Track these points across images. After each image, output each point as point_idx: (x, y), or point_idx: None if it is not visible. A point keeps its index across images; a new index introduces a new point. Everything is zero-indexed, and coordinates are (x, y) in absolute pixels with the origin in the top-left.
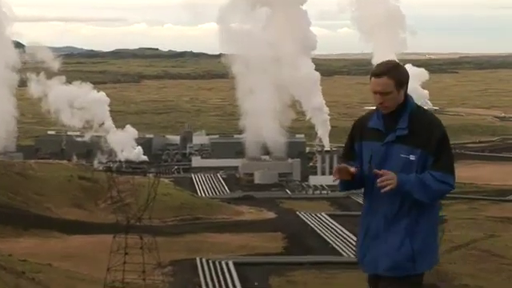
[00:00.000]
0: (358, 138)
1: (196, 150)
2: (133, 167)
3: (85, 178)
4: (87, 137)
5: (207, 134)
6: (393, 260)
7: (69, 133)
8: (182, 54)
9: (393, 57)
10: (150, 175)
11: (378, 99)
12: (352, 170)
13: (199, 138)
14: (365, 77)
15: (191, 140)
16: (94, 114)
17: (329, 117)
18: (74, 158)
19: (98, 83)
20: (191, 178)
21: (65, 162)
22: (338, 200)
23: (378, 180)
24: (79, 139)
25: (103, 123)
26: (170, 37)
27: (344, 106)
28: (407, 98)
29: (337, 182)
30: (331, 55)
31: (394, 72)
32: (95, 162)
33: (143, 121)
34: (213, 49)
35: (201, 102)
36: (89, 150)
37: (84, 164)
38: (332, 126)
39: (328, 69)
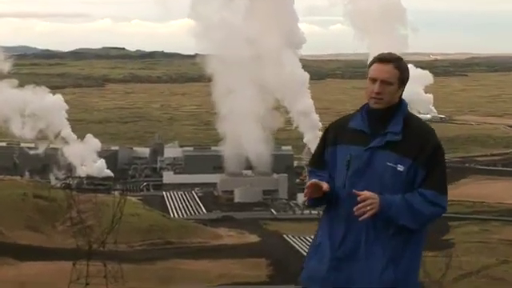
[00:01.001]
0: (331, 141)
1: (168, 164)
2: (95, 184)
3: (41, 197)
4: (41, 149)
5: (181, 146)
6: (371, 286)
7: (22, 145)
8: (152, 55)
9: None
10: (116, 193)
11: (377, 88)
12: (324, 187)
13: (171, 151)
14: (361, 80)
15: (162, 153)
16: (49, 122)
17: (319, 123)
18: (27, 173)
19: (55, 88)
20: (162, 196)
21: (18, 178)
22: None
23: (356, 208)
24: (33, 152)
25: (59, 133)
26: (138, 35)
27: (337, 113)
28: (402, 100)
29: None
30: (322, 56)
31: (401, 64)
32: (52, 178)
33: (107, 131)
34: (187, 48)
35: (173, 109)
36: (44, 165)
37: (39, 181)
38: None
39: (319, 71)
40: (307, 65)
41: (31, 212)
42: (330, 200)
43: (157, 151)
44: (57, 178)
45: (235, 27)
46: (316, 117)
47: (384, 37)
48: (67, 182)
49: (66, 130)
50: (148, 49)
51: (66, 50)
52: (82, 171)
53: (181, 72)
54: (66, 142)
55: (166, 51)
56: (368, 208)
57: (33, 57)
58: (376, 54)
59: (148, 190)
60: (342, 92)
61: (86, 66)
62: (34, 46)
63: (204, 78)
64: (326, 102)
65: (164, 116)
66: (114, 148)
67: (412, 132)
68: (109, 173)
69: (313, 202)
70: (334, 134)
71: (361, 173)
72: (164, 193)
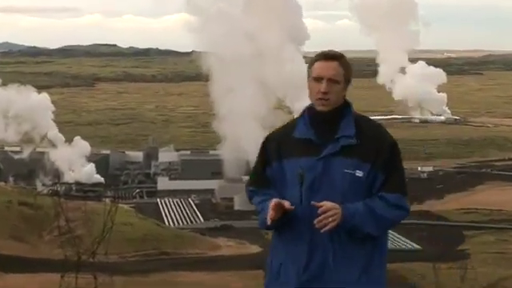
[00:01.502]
0: (274, 156)
1: (163, 170)
2: (85, 190)
3: (26, 204)
4: (26, 153)
5: (177, 150)
6: None
7: (5, 148)
8: (146, 52)
9: (402, 55)
10: (107, 200)
11: (325, 87)
12: (286, 204)
13: (167, 155)
14: (369, 79)
15: (157, 157)
16: (35, 123)
17: None
18: (11, 179)
19: (42, 87)
20: (157, 203)
21: (1, 184)
22: None
23: (316, 220)
24: (17, 156)
25: (45, 135)
26: (131, 30)
27: None
28: (347, 101)
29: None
30: None
31: (345, 61)
32: (38, 185)
33: (98, 133)
34: (183, 45)
35: (169, 111)
36: (30, 170)
37: (25, 187)
38: None
39: None
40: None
41: (16, 220)
42: (284, 220)
43: (151, 155)
44: (44, 185)
45: (234, 22)
46: None
47: (393, 33)
48: (55, 188)
49: (53, 132)
50: (141, 45)
51: (54, 47)
52: (69, 177)
53: (177, 70)
54: (53, 144)
55: (160, 48)
56: (330, 220)
57: (18, 54)
58: (385, 51)
59: (141, 197)
60: (349, 92)
61: (74, 64)
62: (19, 43)
63: (202, 77)
64: None
65: (159, 118)
66: (104, 152)
67: (365, 133)
68: (99, 178)
69: (273, 224)
70: (275, 147)
71: (317, 185)
72: (158, 200)
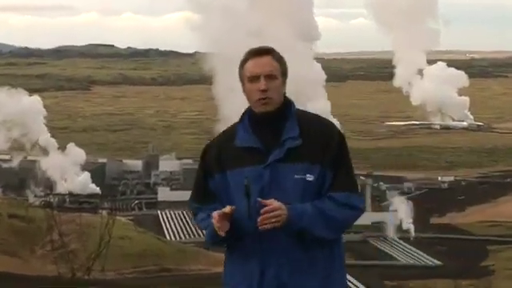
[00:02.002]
0: (216, 168)
1: (163, 180)
2: (80, 202)
3: (17, 217)
4: (16, 161)
5: (178, 158)
6: None
7: None
8: (145, 53)
9: (420, 55)
10: (103, 212)
11: (263, 84)
12: (227, 210)
13: (168, 164)
14: (386, 82)
15: (157, 166)
16: (26, 128)
17: (338, 125)
18: None
19: (34, 91)
20: (157, 215)
21: None
22: (352, 245)
23: (260, 218)
24: (6, 165)
25: (37, 142)
26: (130, 30)
27: (359, 120)
28: (287, 98)
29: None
30: (342, 54)
31: (277, 54)
32: (30, 196)
33: (94, 140)
34: (185, 46)
35: (170, 116)
36: (21, 180)
37: (15, 198)
38: None
39: (337, 72)
40: (324, 64)
41: (6, 234)
42: (232, 235)
43: (151, 164)
44: (35, 196)
45: (239, 18)
46: (334, 120)
47: (412, 32)
48: (48, 199)
49: (45, 136)
50: (141, 46)
51: (46, 48)
52: (62, 187)
53: (179, 73)
54: (44, 151)
55: (161, 49)
56: (273, 220)
57: (8, 55)
58: (401, 51)
59: (140, 208)
60: (366, 96)
61: (69, 65)
62: (9, 43)
63: (206, 80)
64: (345, 107)
65: (159, 123)
66: (101, 160)
67: (310, 131)
68: (95, 189)
69: (225, 238)
70: (216, 157)
71: (265, 195)
72: (159, 212)
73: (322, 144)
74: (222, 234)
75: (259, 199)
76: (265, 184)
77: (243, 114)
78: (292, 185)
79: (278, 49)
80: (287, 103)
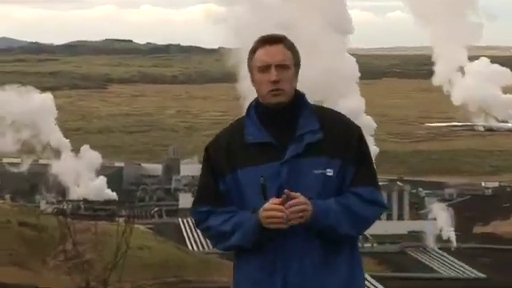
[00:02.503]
0: (226, 167)
1: (185, 185)
2: (95, 209)
3: (27, 225)
4: (26, 165)
5: (201, 162)
6: None
7: (3, 160)
8: (166, 49)
9: (461, 51)
10: (120, 220)
11: (275, 74)
12: (276, 201)
13: (189, 168)
14: (425, 80)
15: (178, 170)
16: (37, 129)
17: (374, 124)
18: (7, 196)
19: (46, 89)
20: (178, 223)
21: None
22: (388, 256)
23: (288, 211)
24: (15, 169)
25: (48, 143)
26: (149, 24)
27: (396, 121)
28: (299, 91)
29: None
30: (377, 49)
31: (290, 42)
32: (41, 202)
33: (110, 142)
34: (208, 41)
35: (192, 117)
36: (31, 185)
37: (25, 205)
38: (380, 150)
39: (372, 68)
40: (357, 60)
41: (16, 244)
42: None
43: (171, 168)
44: (47, 202)
45: (268, 11)
46: (368, 118)
47: (451, 26)
48: (61, 206)
49: (57, 137)
50: (160, 41)
51: (59, 43)
52: (76, 193)
53: (201, 70)
54: (57, 153)
55: (182, 44)
56: (300, 215)
57: (18, 51)
58: (440, 47)
59: (160, 216)
60: (403, 95)
61: (83, 62)
62: (20, 39)
63: (230, 78)
64: (381, 107)
65: (180, 124)
66: (117, 164)
67: (329, 126)
68: (111, 195)
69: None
70: (225, 156)
71: (283, 194)
72: (180, 220)
73: (343, 138)
74: (285, 226)
75: (286, 190)
76: (283, 182)
77: (249, 106)
78: (311, 181)
79: (309, 42)
80: (299, 96)
